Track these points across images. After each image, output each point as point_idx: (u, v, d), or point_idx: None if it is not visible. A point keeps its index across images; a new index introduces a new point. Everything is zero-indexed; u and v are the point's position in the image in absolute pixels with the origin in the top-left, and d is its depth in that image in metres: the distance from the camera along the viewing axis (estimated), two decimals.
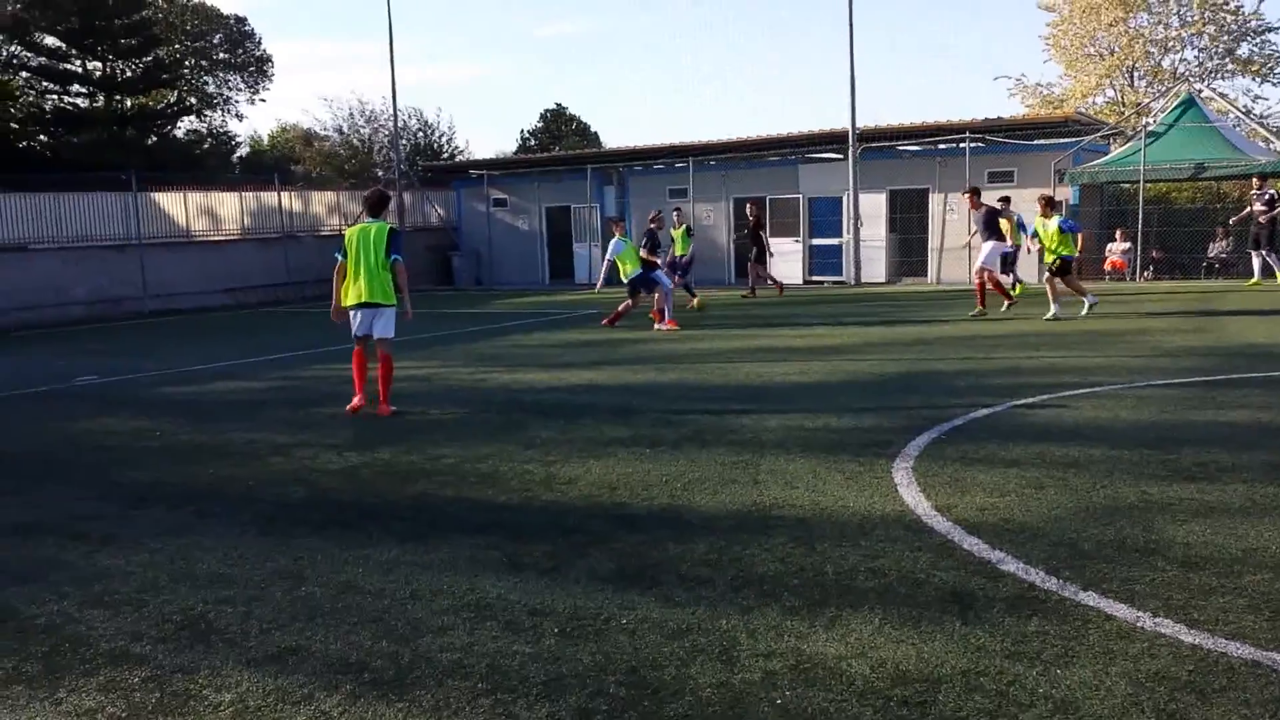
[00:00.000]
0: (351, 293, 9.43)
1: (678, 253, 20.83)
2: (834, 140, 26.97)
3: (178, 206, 27.55)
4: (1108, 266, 23.96)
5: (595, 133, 54.92)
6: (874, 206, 26.21)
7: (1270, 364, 10.28)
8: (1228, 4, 38.39)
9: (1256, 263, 20.12)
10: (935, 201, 25.77)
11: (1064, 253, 15.59)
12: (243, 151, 50.95)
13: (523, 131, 55.57)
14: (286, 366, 13.36)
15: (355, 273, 9.37)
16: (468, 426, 8.71)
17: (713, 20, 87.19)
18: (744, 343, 14.07)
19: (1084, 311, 15.33)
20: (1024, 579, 4.49)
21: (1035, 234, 16.21)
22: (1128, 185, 25.13)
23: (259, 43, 48.80)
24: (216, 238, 27.95)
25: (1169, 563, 4.62)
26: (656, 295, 16.70)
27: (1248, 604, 4.10)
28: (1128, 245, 23.67)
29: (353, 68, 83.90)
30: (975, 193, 17.25)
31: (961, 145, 24.89)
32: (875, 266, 26.17)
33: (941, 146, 26.15)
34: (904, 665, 3.68)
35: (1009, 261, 19.52)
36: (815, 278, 27.15)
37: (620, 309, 17.10)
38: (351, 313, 9.54)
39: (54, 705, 3.69)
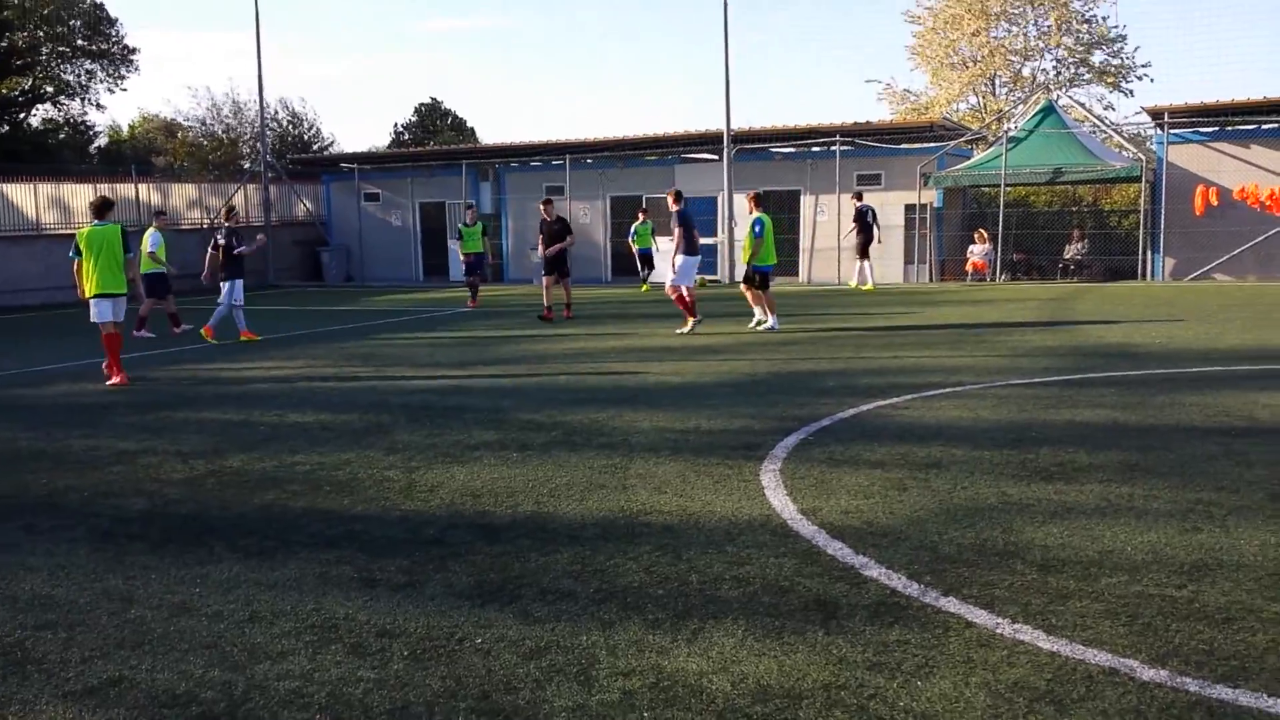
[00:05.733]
0: (94, 284, 11.36)
1: (468, 250, 20.75)
2: (709, 141, 27.13)
3: (27, 198, 26.13)
4: (968, 268, 24.65)
5: (471, 128, 54.05)
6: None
7: (1124, 364, 10.64)
8: (1081, 15, 40.01)
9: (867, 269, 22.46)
10: (806, 203, 26.13)
11: (753, 262, 14.95)
12: (101, 142, 48.60)
13: (396, 125, 54.36)
14: (137, 367, 12.68)
15: (95, 268, 11.33)
16: (328, 431, 8.36)
17: (591, 19, 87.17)
18: (617, 342, 13.96)
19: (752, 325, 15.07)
20: (886, 585, 4.45)
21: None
22: (989, 189, 25.92)
23: (120, 30, 46.57)
24: (69, 230, 26.51)
25: (1028, 566, 4.64)
26: None
27: (1104, 609, 4.13)
28: (987, 247, 24.38)
29: (224, 59, 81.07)
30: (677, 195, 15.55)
31: (832, 148, 25.31)
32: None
33: (814, 149, 26.55)
34: (766, 680, 3.58)
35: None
36: None
37: None
38: (94, 301, 11.44)
39: None
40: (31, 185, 26.28)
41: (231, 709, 3.49)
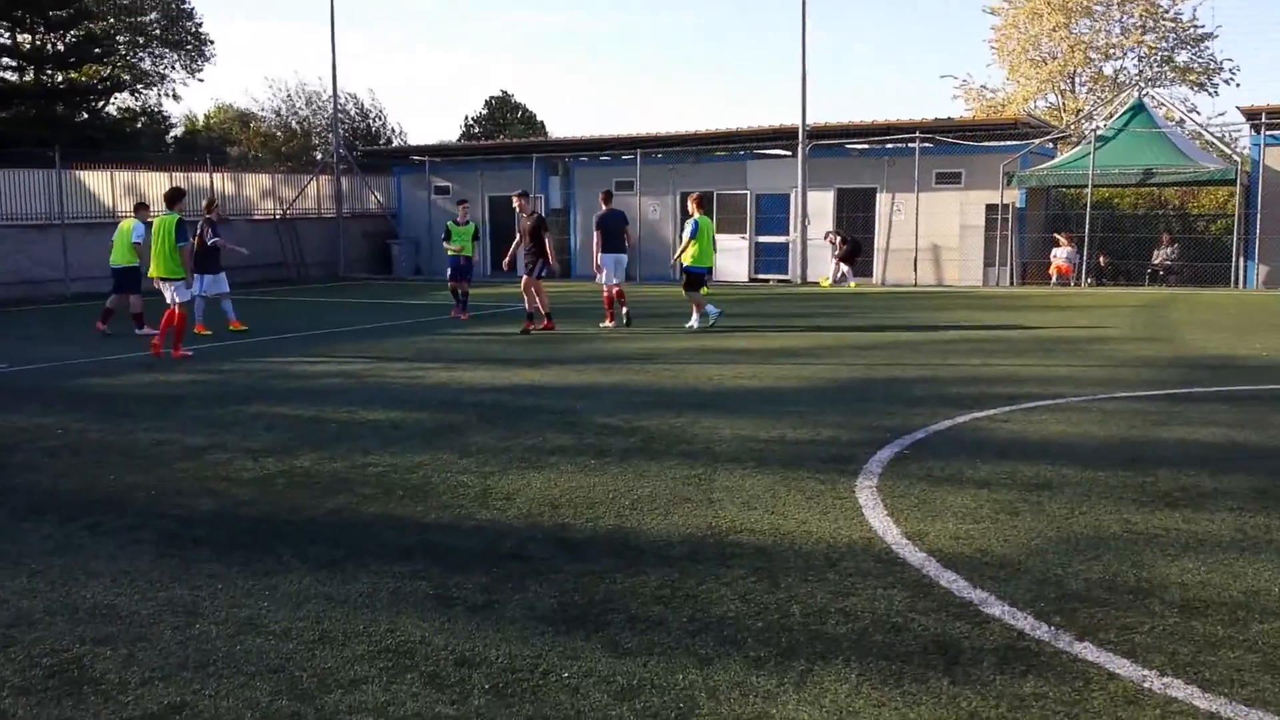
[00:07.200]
0: (152, 268, 12.60)
1: (460, 252, 17.33)
2: (783, 137, 26.60)
3: (104, 185, 26.41)
4: (1052, 272, 23.88)
5: (541, 122, 53.96)
6: (822, 204, 25.91)
7: (1232, 377, 10.03)
8: (1167, 12, 38.67)
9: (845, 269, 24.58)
10: (882, 201, 25.52)
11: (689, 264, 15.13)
12: (177, 131, 49.32)
13: (467, 118, 54.48)
14: (208, 359, 12.60)
15: (152, 253, 12.54)
16: (399, 430, 8.10)
17: (663, 13, 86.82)
18: (690, 343, 13.59)
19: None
20: (1012, 625, 4.04)
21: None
22: (1072, 190, 25.08)
23: (198, 21, 47.19)
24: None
25: (1167, 607, 4.19)
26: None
27: (1261, 660, 3.68)
28: (1072, 250, 23.61)
29: (296, 52, 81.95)
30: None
31: (910, 145, 24.68)
32: (821, 265, 25.86)
33: (889, 146, 25.94)
34: None
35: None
36: (761, 275, 26.79)
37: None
38: (158, 282, 12.55)
39: None
40: (108, 173, 26.55)
41: None
